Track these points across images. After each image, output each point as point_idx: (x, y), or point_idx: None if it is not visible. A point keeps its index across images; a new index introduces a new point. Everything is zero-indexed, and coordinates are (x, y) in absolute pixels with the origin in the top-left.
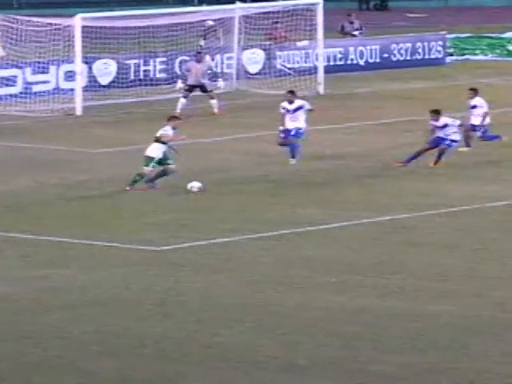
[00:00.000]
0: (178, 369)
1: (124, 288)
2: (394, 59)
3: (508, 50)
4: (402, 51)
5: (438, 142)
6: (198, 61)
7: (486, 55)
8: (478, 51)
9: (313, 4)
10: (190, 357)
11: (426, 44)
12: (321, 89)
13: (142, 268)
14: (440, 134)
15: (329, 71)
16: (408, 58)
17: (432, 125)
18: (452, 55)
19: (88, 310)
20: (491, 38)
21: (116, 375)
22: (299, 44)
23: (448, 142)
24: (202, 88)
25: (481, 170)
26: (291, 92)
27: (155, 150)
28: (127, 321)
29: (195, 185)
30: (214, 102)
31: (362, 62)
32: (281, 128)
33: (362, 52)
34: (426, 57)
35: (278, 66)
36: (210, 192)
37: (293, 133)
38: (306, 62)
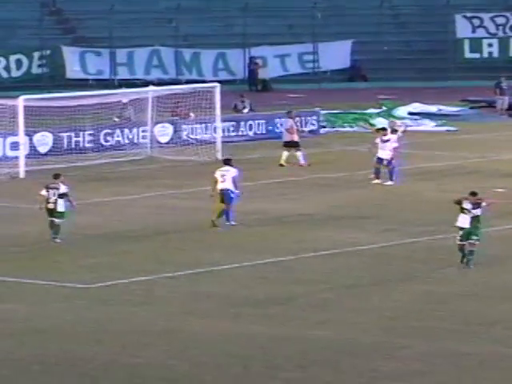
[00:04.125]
0: None
1: (61, 319)
2: (278, 131)
3: (370, 123)
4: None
5: None
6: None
7: (352, 127)
8: (345, 124)
9: (212, 87)
10: (113, 376)
11: (303, 118)
12: (219, 155)
13: (76, 302)
14: None
15: (224, 141)
16: None
17: None
18: (325, 127)
19: (31, 338)
20: (356, 113)
21: None
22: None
23: None
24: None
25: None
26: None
27: None
28: (64, 346)
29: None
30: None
31: (251, 133)
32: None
33: (251, 125)
34: (304, 129)
35: (184, 137)
36: (128, 239)
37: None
38: (206, 133)
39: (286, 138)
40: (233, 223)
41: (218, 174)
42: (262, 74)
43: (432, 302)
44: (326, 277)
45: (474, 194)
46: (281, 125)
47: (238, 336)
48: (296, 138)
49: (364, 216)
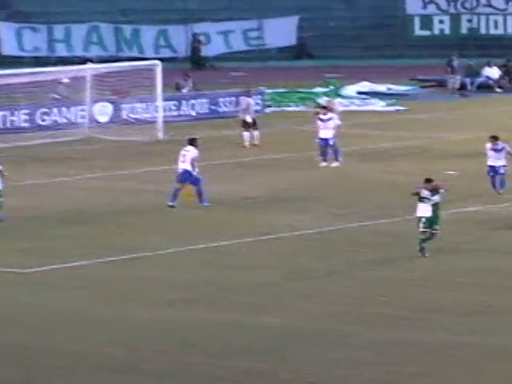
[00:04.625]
0: (29, 372)
1: None
2: (221, 110)
3: (316, 103)
4: (227, 103)
5: None
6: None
7: (298, 106)
8: (291, 103)
9: (153, 64)
10: (47, 363)
11: None
12: (160, 135)
13: (12, 287)
14: None
15: (166, 121)
16: (232, 109)
17: None
18: (270, 106)
19: None
20: (302, 92)
21: None
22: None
23: None
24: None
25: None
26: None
27: None
28: None
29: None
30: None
31: (193, 113)
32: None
33: (193, 104)
34: None
35: (124, 117)
36: (66, 222)
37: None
38: (147, 112)
39: (244, 117)
40: (174, 205)
41: (181, 154)
42: (205, 51)
43: (381, 288)
44: (270, 262)
45: (429, 180)
46: (230, 103)
47: (178, 323)
48: (253, 117)
49: (309, 198)
